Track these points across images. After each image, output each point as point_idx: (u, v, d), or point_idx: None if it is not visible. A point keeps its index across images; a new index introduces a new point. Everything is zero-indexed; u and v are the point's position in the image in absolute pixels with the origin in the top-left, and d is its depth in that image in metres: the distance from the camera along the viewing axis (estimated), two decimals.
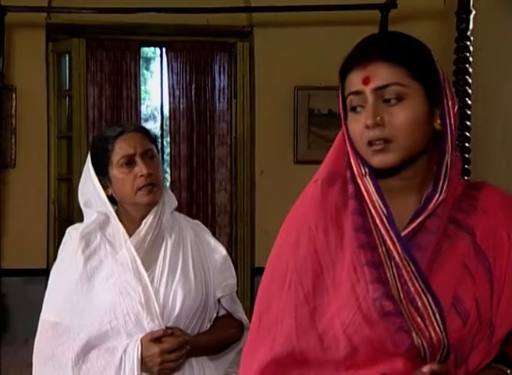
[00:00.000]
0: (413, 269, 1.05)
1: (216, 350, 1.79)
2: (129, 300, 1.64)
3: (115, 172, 1.71)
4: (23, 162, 4.00)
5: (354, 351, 1.06)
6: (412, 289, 1.05)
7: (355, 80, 1.09)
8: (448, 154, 1.10)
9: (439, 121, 1.11)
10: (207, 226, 1.95)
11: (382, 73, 1.06)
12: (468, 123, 2.53)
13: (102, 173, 1.74)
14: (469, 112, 2.53)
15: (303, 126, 4.18)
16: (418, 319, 1.04)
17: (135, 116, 4.27)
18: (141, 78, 4.45)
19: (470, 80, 2.49)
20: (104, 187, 1.74)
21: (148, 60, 5.71)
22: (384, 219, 1.08)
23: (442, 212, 1.09)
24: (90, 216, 1.77)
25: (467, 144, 2.54)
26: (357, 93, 1.08)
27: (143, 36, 4.32)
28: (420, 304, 1.04)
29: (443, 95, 1.11)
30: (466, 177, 2.54)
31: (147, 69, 5.92)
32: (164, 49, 4.36)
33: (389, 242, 1.06)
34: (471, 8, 2.49)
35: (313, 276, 1.10)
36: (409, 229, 1.09)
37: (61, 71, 4.21)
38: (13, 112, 3.97)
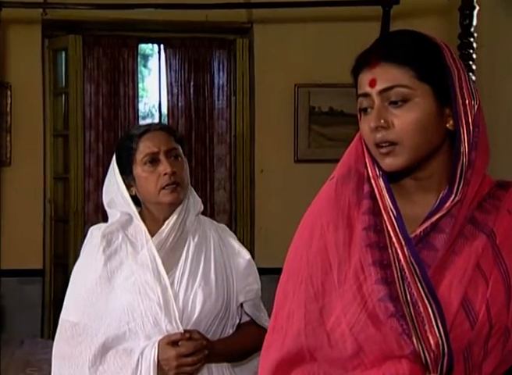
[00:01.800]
0: (417, 272, 1.04)
1: (237, 356, 1.77)
2: (148, 301, 1.63)
3: (139, 170, 1.70)
4: (18, 161, 3.97)
5: (360, 350, 1.05)
6: (415, 292, 1.04)
7: (363, 82, 1.10)
8: (463, 155, 1.08)
9: (451, 122, 1.09)
10: None
11: (388, 75, 1.07)
12: None
13: (126, 171, 1.73)
14: None
15: (303, 125, 4.14)
16: (420, 324, 1.03)
17: (133, 113, 4.24)
18: (139, 75, 4.41)
19: (473, 77, 2.45)
20: (128, 187, 1.73)
21: (146, 57, 5.66)
22: (393, 220, 1.08)
23: (458, 213, 1.08)
24: (113, 216, 1.76)
25: None
26: (365, 95, 1.09)
27: (140, 32, 4.29)
28: (422, 308, 1.03)
29: (456, 94, 1.08)
30: None
31: (145, 66, 5.87)
32: (162, 46, 4.33)
33: (396, 244, 1.07)
34: (475, 4, 2.45)
35: (322, 274, 1.11)
36: (421, 228, 1.08)
37: (57, 68, 4.18)
38: (8, 109, 3.94)
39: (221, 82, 4.32)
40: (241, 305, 1.77)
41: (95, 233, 1.74)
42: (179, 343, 1.62)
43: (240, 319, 1.79)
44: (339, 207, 1.13)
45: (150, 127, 1.75)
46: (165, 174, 1.67)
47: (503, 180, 1.16)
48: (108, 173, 1.78)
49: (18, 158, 3.97)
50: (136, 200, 1.75)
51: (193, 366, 1.63)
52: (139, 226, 1.71)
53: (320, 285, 1.10)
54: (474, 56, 2.45)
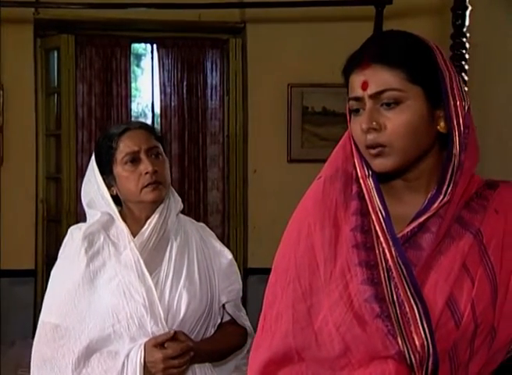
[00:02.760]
0: (404, 272, 1.05)
1: (219, 357, 1.77)
2: (133, 303, 1.61)
3: (120, 170, 1.69)
4: (10, 161, 3.95)
5: (347, 350, 1.05)
6: (401, 293, 1.04)
7: (355, 85, 1.09)
8: (455, 157, 1.08)
9: (442, 124, 1.09)
10: None
11: (379, 78, 1.06)
12: None
13: (106, 171, 1.71)
14: None
15: (296, 125, 4.14)
16: (405, 324, 1.03)
17: (125, 113, 4.22)
18: (132, 75, 4.39)
19: (466, 78, 2.45)
20: (109, 187, 1.72)
21: (139, 57, 5.65)
22: (381, 220, 1.09)
23: (445, 213, 1.08)
24: (93, 216, 1.74)
25: None
26: (357, 99, 1.09)
27: (133, 32, 4.27)
28: (408, 309, 1.03)
29: (448, 96, 1.08)
30: None
31: (138, 65, 5.86)
32: (155, 46, 4.32)
33: (384, 244, 1.07)
34: (467, 4, 2.45)
35: (310, 273, 1.11)
36: (409, 229, 1.09)
37: (49, 68, 4.16)
38: (0, 109, 3.91)
39: (214, 82, 4.31)
40: (223, 305, 1.77)
41: (76, 233, 1.71)
42: (165, 344, 1.61)
43: (222, 319, 1.79)
44: (325, 207, 1.13)
45: (129, 126, 1.73)
46: (147, 173, 1.66)
47: (492, 180, 1.16)
48: (87, 172, 1.76)
49: (10, 158, 3.94)
50: (116, 199, 1.73)
51: (180, 367, 1.62)
52: (120, 226, 1.69)
53: (307, 285, 1.11)
54: (467, 56, 2.46)
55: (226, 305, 1.78)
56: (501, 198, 1.12)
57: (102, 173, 1.72)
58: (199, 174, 4.33)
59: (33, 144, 4.03)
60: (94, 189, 1.73)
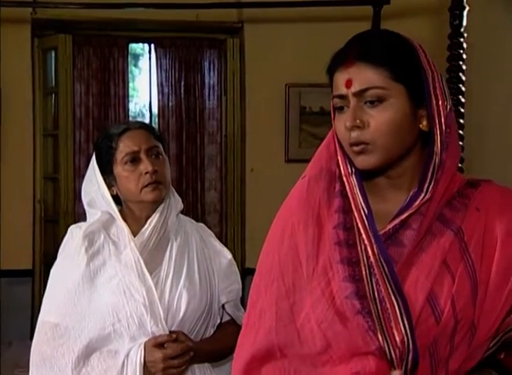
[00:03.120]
0: (385, 269, 1.06)
1: (219, 357, 1.77)
2: (133, 302, 1.62)
3: (120, 170, 1.69)
4: (7, 161, 3.94)
5: (329, 347, 1.07)
6: (382, 289, 1.06)
7: (339, 83, 1.10)
8: (436, 155, 1.10)
9: (425, 122, 1.11)
10: None
11: (363, 76, 1.08)
12: (462, 120, 2.50)
13: (107, 171, 1.72)
14: (462, 110, 2.50)
15: (294, 125, 4.14)
16: (386, 321, 1.04)
17: (123, 113, 4.22)
18: (129, 75, 4.39)
19: (463, 78, 2.46)
20: (109, 187, 1.72)
21: (136, 57, 5.64)
22: (364, 217, 1.10)
23: (427, 211, 1.10)
24: (93, 215, 1.74)
25: (460, 143, 2.51)
26: (341, 97, 1.10)
27: (131, 32, 4.27)
28: (388, 305, 1.05)
29: (431, 95, 1.10)
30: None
31: (136, 65, 5.85)
32: (152, 45, 4.32)
33: (366, 240, 1.08)
34: (465, 5, 2.46)
35: (293, 272, 1.13)
36: (391, 226, 1.10)
37: (47, 68, 4.15)
38: None
39: (211, 82, 4.31)
40: (223, 305, 1.78)
41: (76, 232, 1.71)
42: (165, 344, 1.61)
43: (221, 319, 1.79)
44: (309, 206, 1.15)
45: (129, 126, 1.73)
46: (147, 173, 1.66)
47: (474, 179, 1.18)
48: (88, 172, 1.77)
49: (7, 158, 3.93)
50: (116, 199, 1.74)
51: (180, 368, 1.63)
52: (121, 225, 1.70)
53: (291, 283, 1.12)
54: (464, 56, 2.46)
55: (226, 305, 1.79)
56: (482, 196, 1.13)
57: (103, 172, 1.72)
58: (197, 174, 4.32)
59: (30, 144, 4.03)
60: (94, 189, 1.73)
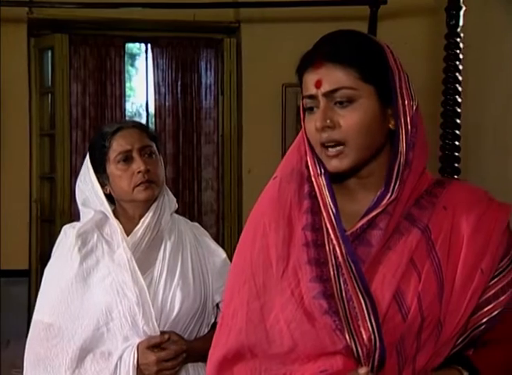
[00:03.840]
0: (353, 268, 1.07)
1: None
2: (126, 301, 1.61)
3: (113, 168, 1.69)
4: (4, 161, 3.93)
5: (296, 346, 1.08)
6: (350, 288, 1.06)
7: (309, 83, 1.11)
8: (401, 154, 1.11)
9: (393, 122, 1.12)
10: None
11: (333, 77, 1.09)
12: (458, 120, 2.51)
13: (100, 170, 1.71)
14: (459, 110, 2.50)
15: (291, 125, 4.14)
16: (353, 319, 1.05)
17: (120, 113, 4.21)
18: (126, 75, 4.37)
19: (460, 78, 2.46)
20: (102, 185, 1.72)
21: (133, 56, 5.63)
22: (332, 217, 1.11)
23: (394, 210, 1.11)
24: (87, 214, 1.74)
25: (457, 143, 2.52)
26: (311, 97, 1.11)
27: (127, 31, 4.25)
28: (356, 304, 1.06)
29: (397, 95, 1.11)
30: (456, 176, 2.52)
31: (132, 65, 5.84)
32: (149, 45, 4.31)
33: (334, 241, 1.09)
34: (461, 5, 2.46)
35: (264, 272, 1.13)
36: (358, 226, 1.11)
37: (43, 67, 4.13)
38: None
39: (208, 82, 4.30)
40: (217, 304, 1.77)
41: (69, 232, 1.71)
42: (160, 347, 1.61)
43: (216, 318, 1.79)
44: (280, 207, 1.15)
45: (123, 125, 1.73)
46: (139, 172, 1.66)
47: (442, 178, 1.21)
48: (82, 171, 1.76)
49: (3, 158, 3.92)
50: (110, 198, 1.73)
51: (173, 369, 1.63)
52: (114, 225, 1.69)
53: (261, 283, 1.13)
54: (461, 56, 2.46)
55: (220, 305, 1.77)
56: (450, 195, 1.14)
57: (96, 171, 1.72)
58: (193, 174, 4.32)
59: (26, 144, 4.02)
60: (88, 187, 1.73)
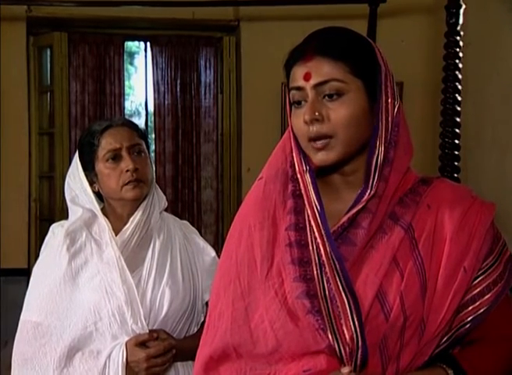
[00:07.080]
0: (337, 267, 1.07)
1: None
2: (115, 300, 1.61)
3: (101, 167, 1.68)
4: (3, 160, 3.92)
5: (280, 346, 1.08)
6: (333, 287, 1.06)
7: (297, 76, 1.11)
8: (379, 150, 1.10)
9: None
10: (192, 225, 1.93)
11: (323, 69, 1.08)
12: (458, 119, 2.50)
13: (89, 168, 1.71)
14: (459, 109, 2.50)
15: None
16: (336, 318, 1.05)
17: (119, 111, 4.20)
18: (125, 73, 4.36)
19: (460, 76, 2.46)
20: (91, 183, 1.71)
21: (132, 55, 5.64)
22: (317, 215, 1.10)
23: (375, 208, 1.10)
24: (75, 212, 1.73)
25: (456, 141, 2.52)
26: (299, 88, 1.10)
27: (127, 30, 4.24)
28: (339, 303, 1.05)
29: (381, 91, 1.11)
30: (455, 174, 2.51)
31: (131, 63, 5.85)
32: (148, 43, 4.30)
33: (318, 239, 1.09)
34: (461, 3, 2.46)
35: (249, 273, 1.14)
36: (339, 224, 1.11)
37: (42, 66, 4.12)
38: None
39: (208, 80, 4.29)
40: (206, 302, 1.76)
41: (57, 231, 1.71)
42: (148, 344, 1.61)
43: (205, 317, 1.79)
44: (265, 207, 1.15)
45: (112, 123, 1.72)
46: (128, 171, 1.66)
47: (427, 176, 1.19)
48: (70, 168, 1.76)
49: (2, 157, 3.91)
50: (99, 196, 1.73)
51: (163, 366, 1.63)
52: (102, 224, 1.69)
53: (246, 284, 1.13)
54: (461, 54, 2.46)
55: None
56: (434, 193, 1.14)
57: (85, 169, 1.71)
58: (193, 173, 4.31)
59: (25, 142, 4.00)
60: (77, 185, 1.73)
